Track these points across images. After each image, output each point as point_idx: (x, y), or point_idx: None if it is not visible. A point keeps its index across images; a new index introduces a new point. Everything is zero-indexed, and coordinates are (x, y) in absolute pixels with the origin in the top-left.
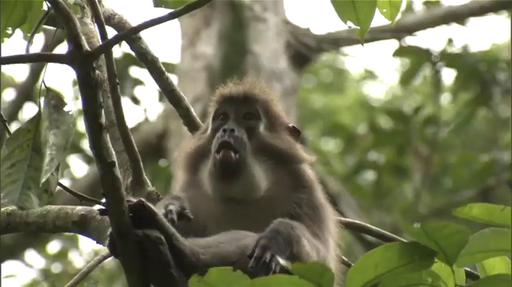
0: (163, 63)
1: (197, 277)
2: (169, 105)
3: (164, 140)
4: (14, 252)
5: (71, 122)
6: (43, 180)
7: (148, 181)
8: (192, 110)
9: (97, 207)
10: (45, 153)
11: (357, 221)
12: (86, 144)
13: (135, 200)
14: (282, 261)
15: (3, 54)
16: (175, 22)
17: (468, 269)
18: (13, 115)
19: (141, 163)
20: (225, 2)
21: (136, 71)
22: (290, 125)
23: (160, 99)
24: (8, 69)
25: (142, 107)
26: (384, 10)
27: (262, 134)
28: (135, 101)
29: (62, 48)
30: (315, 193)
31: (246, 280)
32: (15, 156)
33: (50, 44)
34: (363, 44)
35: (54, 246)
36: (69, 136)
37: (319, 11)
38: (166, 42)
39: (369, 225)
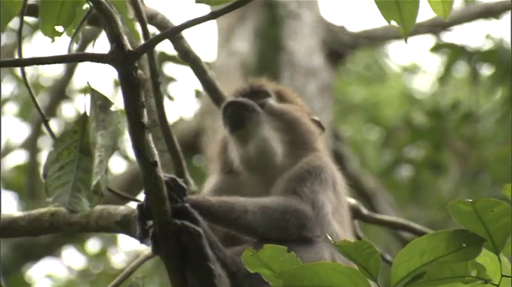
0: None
1: (251, 251)
2: (204, 103)
3: (200, 138)
4: (50, 250)
5: (118, 122)
6: (94, 183)
7: (191, 181)
8: None
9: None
10: (94, 155)
11: (400, 220)
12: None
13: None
14: None
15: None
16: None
17: None
18: (49, 112)
19: (184, 163)
20: None
21: (171, 67)
22: (314, 117)
23: (197, 96)
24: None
25: (178, 104)
26: (437, 8)
27: (272, 104)
28: (170, 98)
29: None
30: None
31: (298, 262)
32: (63, 158)
33: (93, 44)
34: (406, 43)
35: (93, 245)
36: (117, 136)
37: (354, 7)
38: (203, 39)
39: (412, 223)
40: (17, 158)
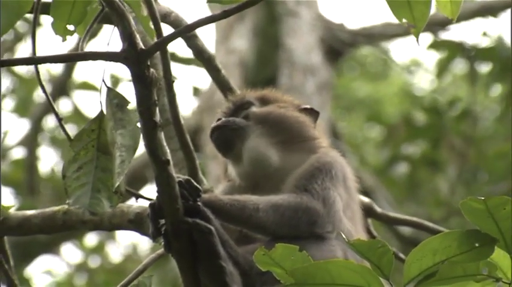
0: None
1: (263, 250)
2: (203, 100)
3: (198, 135)
4: (49, 247)
5: (136, 121)
6: (117, 184)
7: (204, 179)
8: None
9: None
10: (115, 154)
11: (414, 219)
12: None
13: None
14: None
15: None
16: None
17: None
18: (49, 106)
19: (197, 161)
20: None
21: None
22: (304, 106)
23: (195, 94)
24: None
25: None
26: (445, 8)
27: (255, 111)
28: None
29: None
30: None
31: (310, 261)
32: (81, 158)
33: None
34: (418, 43)
35: (91, 239)
36: (138, 136)
37: (352, 5)
38: (202, 36)
39: (425, 222)
40: (16, 153)
